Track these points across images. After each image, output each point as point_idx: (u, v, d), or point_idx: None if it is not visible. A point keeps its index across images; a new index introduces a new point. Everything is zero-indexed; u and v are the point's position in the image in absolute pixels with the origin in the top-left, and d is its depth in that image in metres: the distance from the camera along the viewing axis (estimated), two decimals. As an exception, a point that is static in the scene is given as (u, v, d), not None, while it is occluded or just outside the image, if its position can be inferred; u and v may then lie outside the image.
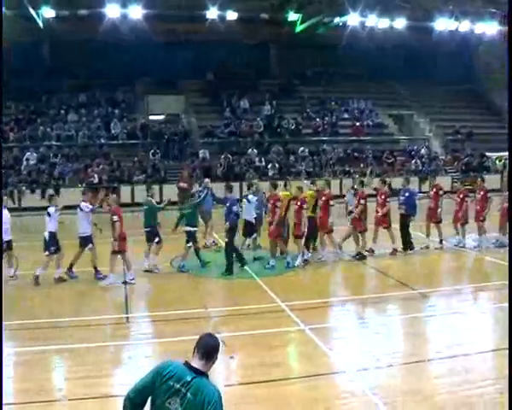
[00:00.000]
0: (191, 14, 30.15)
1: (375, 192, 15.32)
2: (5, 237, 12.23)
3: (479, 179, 16.85)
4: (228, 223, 12.93)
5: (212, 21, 29.79)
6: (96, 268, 12.63)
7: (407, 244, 14.97)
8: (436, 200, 15.59)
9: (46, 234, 12.31)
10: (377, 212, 14.82)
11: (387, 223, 14.78)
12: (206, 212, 15.41)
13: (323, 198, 14.10)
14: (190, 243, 13.25)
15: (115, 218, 12.02)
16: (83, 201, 12.71)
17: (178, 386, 3.74)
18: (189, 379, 3.75)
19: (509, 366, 5.46)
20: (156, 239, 13.28)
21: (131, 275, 12.22)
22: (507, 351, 7.02)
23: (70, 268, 12.59)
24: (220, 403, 3.75)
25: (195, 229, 13.55)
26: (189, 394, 3.71)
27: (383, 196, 14.77)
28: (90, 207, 12.60)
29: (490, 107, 37.71)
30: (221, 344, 4.05)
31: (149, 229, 13.36)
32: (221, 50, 33.29)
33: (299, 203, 13.51)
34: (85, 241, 12.55)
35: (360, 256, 14.30)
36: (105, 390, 7.08)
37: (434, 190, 15.92)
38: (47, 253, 12.28)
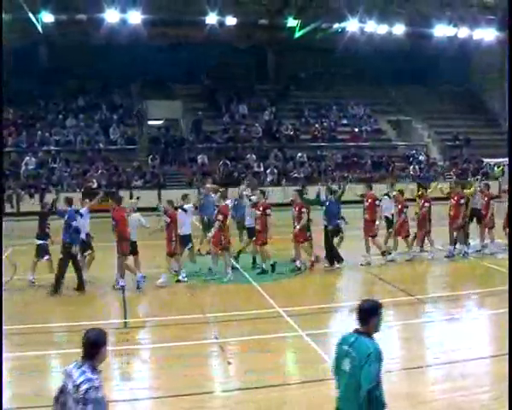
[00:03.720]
0: (189, 19, 30.23)
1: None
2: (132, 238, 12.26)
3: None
4: (72, 242, 11.58)
5: (211, 26, 29.86)
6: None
7: (334, 258, 13.65)
8: (371, 211, 13.96)
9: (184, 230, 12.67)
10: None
11: (305, 237, 13.46)
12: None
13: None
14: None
15: None
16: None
17: (347, 348, 4.37)
18: (353, 340, 4.37)
19: (509, 369, 5.47)
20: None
21: None
22: (503, 357, 7.05)
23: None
24: (375, 355, 4.23)
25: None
26: (353, 352, 4.31)
27: (297, 208, 13.36)
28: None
29: (487, 113, 37.81)
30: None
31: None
32: (218, 54, 33.25)
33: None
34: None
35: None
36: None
37: (370, 200, 14.01)
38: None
